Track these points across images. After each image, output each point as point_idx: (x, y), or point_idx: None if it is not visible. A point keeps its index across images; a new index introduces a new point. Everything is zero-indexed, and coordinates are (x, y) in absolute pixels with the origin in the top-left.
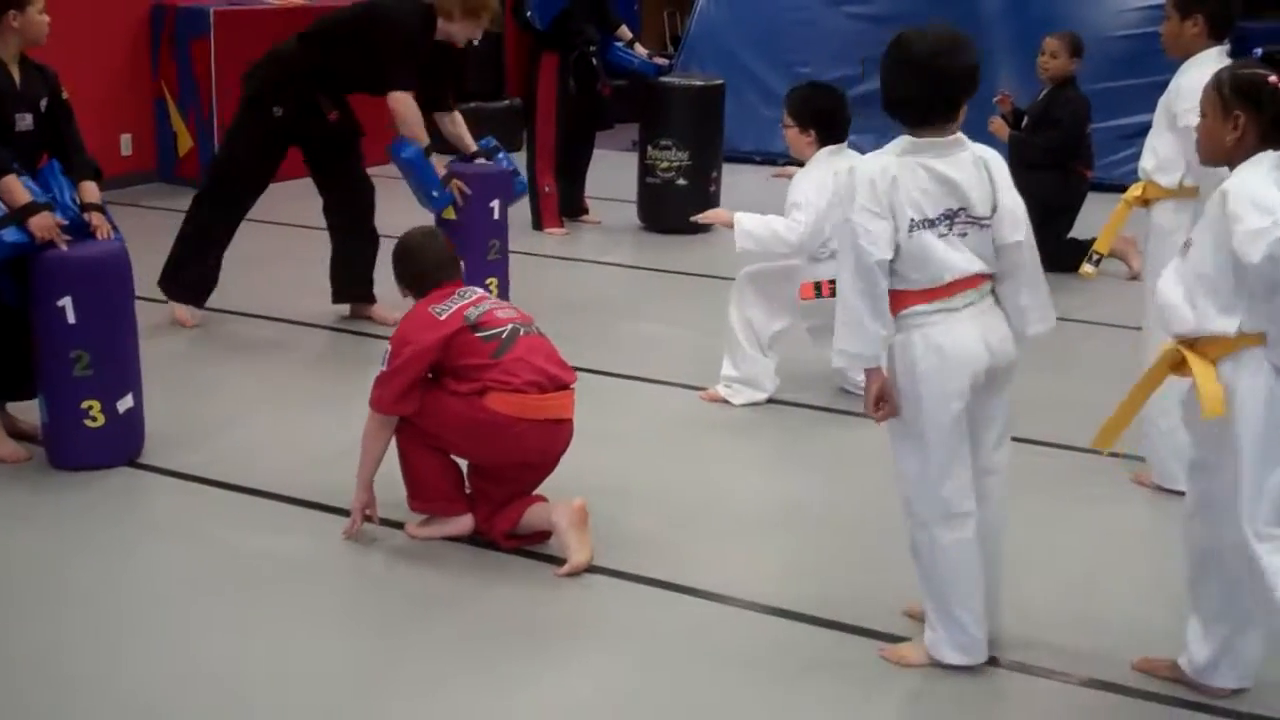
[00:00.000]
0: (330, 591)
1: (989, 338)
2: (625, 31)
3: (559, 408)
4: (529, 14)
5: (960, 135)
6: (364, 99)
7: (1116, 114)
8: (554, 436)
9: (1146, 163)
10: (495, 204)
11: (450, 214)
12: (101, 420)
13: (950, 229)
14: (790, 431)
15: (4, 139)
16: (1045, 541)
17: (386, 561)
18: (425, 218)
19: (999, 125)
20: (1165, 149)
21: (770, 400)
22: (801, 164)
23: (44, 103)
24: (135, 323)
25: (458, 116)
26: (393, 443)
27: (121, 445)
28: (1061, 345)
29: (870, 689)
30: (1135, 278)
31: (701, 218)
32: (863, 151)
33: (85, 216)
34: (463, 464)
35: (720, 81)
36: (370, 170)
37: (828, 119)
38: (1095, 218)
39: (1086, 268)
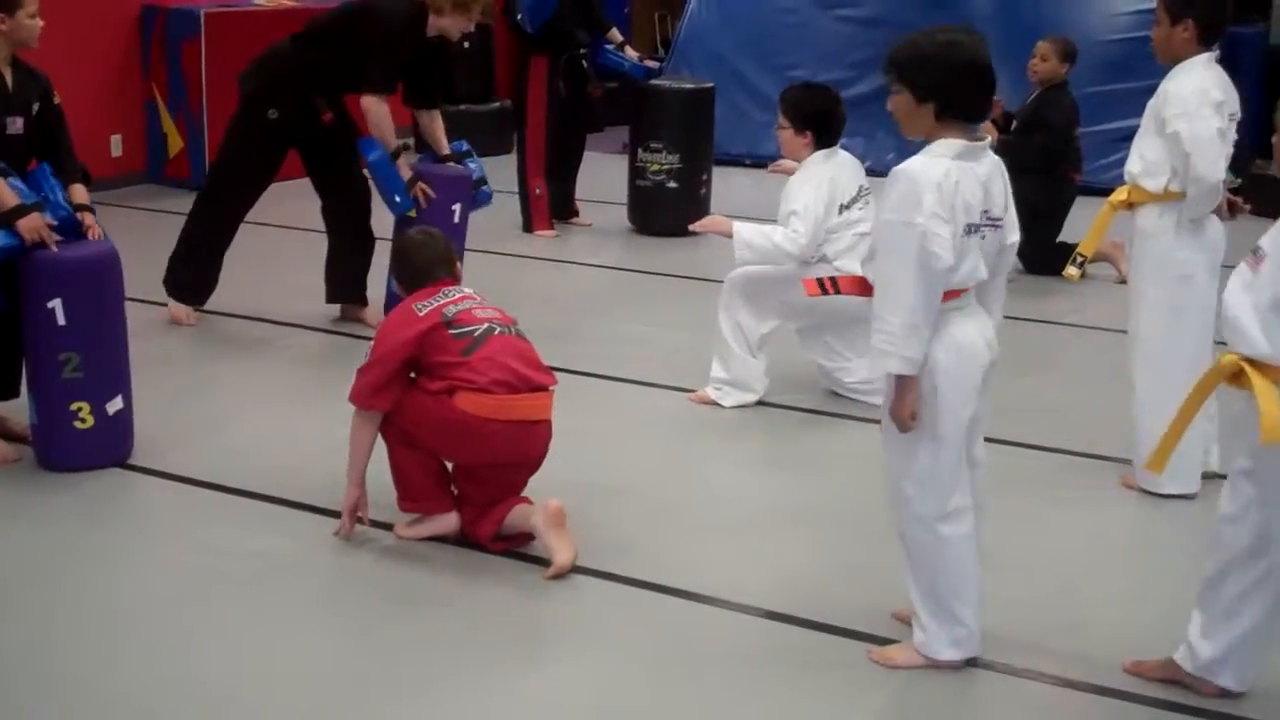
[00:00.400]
0: (319, 592)
1: (986, 335)
2: (616, 34)
3: (530, 409)
4: (519, 17)
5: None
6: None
7: (1107, 118)
8: (528, 438)
9: (1133, 166)
10: (457, 207)
11: (412, 213)
12: (91, 422)
13: (981, 232)
14: (780, 434)
15: None
16: (1032, 543)
17: (376, 562)
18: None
19: (988, 129)
20: (1152, 153)
21: (760, 402)
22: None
23: (35, 106)
24: (125, 324)
25: (438, 116)
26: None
27: (111, 447)
28: (1049, 348)
29: (858, 691)
30: (1123, 282)
31: (698, 226)
32: (854, 155)
33: (78, 216)
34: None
35: (710, 84)
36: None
37: (824, 120)
38: (1084, 221)
39: (1070, 270)
